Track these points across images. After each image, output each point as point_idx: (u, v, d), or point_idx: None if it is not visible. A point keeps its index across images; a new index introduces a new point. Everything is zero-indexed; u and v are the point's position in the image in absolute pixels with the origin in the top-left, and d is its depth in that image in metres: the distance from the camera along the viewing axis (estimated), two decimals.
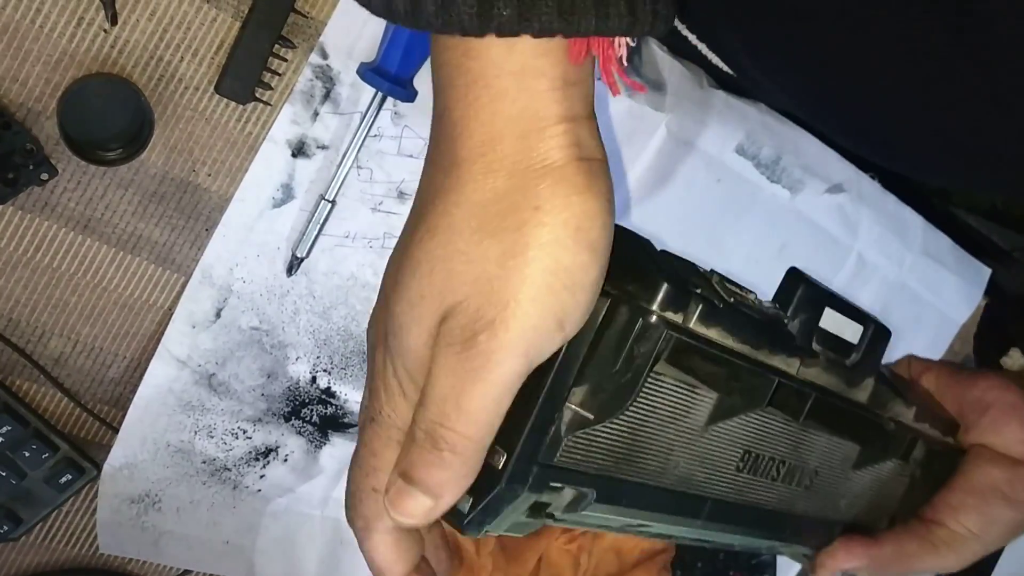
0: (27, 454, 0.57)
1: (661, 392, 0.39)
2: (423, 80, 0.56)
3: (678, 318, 0.37)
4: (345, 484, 0.40)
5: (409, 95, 0.55)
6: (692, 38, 0.62)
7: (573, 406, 0.37)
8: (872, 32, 0.46)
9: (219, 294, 0.59)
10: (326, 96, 0.56)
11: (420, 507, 0.36)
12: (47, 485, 0.59)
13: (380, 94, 0.55)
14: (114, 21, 0.52)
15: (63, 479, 0.59)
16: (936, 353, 0.78)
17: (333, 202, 0.58)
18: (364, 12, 0.54)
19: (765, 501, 0.47)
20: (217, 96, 0.55)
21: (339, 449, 0.66)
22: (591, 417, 0.37)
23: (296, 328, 0.61)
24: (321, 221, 0.58)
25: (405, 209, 0.60)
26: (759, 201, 0.68)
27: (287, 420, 0.64)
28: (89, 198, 0.55)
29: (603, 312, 0.36)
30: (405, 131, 0.58)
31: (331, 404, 0.64)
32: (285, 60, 0.55)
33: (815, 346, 0.45)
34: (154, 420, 0.60)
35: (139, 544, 0.63)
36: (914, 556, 0.55)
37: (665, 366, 0.37)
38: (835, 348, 0.46)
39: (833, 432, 0.48)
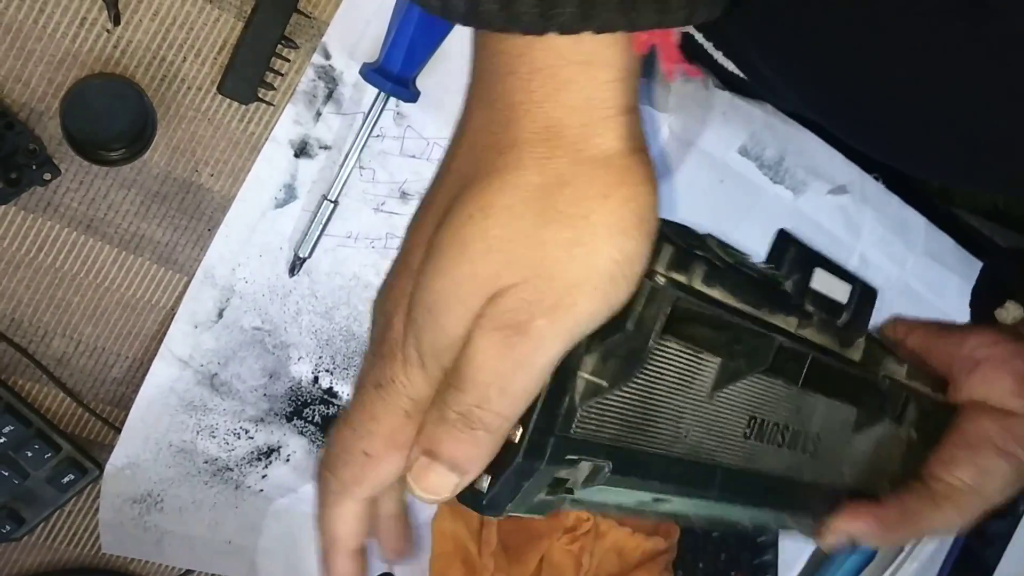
0: (29, 454, 0.57)
1: (668, 359, 0.40)
2: (425, 80, 0.56)
3: (683, 278, 0.38)
4: (327, 449, 0.40)
5: (412, 95, 0.55)
6: (699, 37, 0.62)
7: (585, 375, 0.37)
8: (886, 27, 0.46)
9: (221, 294, 0.59)
10: (329, 96, 0.56)
11: (447, 483, 0.36)
12: (49, 485, 0.59)
13: (383, 94, 0.55)
14: (117, 21, 0.52)
15: (65, 479, 0.59)
16: None
17: (335, 202, 0.58)
18: (366, 13, 0.55)
19: (773, 468, 0.48)
20: (220, 96, 0.55)
21: None
22: (604, 384, 0.37)
23: (298, 328, 0.61)
24: (323, 221, 0.58)
25: (407, 209, 0.60)
26: (762, 202, 0.68)
27: (289, 420, 0.64)
28: (92, 198, 0.55)
29: None
30: (408, 131, 0.58)
31: (333, 404, 0.64)
32: (288, 60, 0.55)
33: (807, 307, 0.45)
34: (156, 420, 0.60)
35: (141, 544, 0.63)
36: (917, 514, 0.55)
37: (671, 330, 0.38)
38: (826, 308, 0.47)
39: (831, 392, 0.49)
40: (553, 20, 0.32)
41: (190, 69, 0.54)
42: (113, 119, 0.52)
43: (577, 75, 0.34)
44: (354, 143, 0.57)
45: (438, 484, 0.36)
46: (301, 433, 0.64)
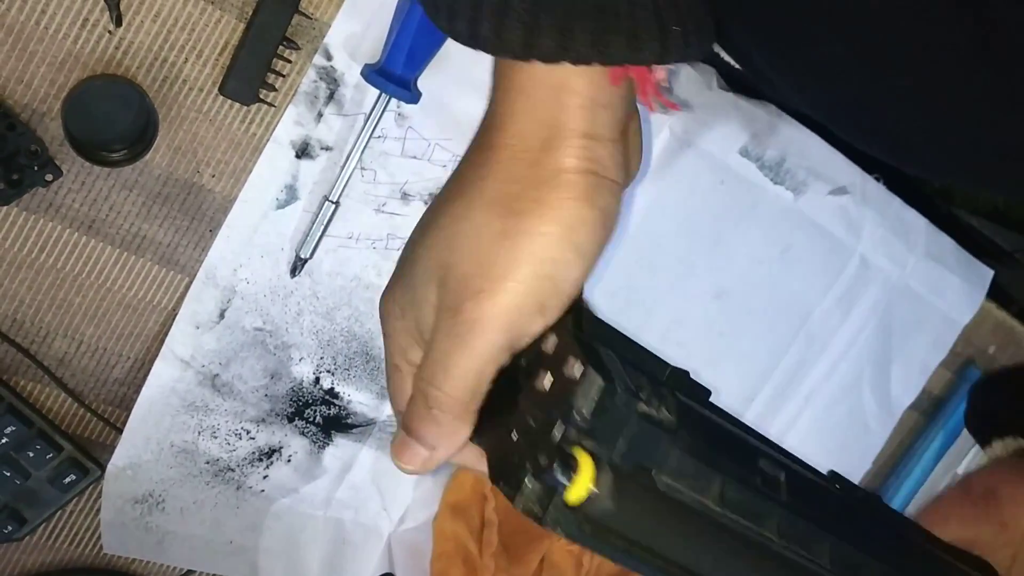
0: (31, 454, 0.57)
1: None
2: (426, 82, 0.57)
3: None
4: (391, 441, 0.43)
5: (413, 97, 0.56)
6: None
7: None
8: (887, 27, 0.46)
9: (223, 295, 0.59)
10: (330, 97, 0.56)
11: (418, 457, 0.40)
12: (51, 485, 0.59)
13: (384, 96, 0.55)
14: (118, 22, 0.52)
15: (67, 479, 0.59)
16: (939, 354, 0.79)
17: (337, 203, 0.58)
18: (368, 14, 0.55)
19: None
20: (221, 97, 0.55)
21: (342, 450, 0.66)
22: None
23: (300, 329, 0.61)
24: (325, 222, 0.58)
25: (409, 210, 0.60)
26: (763, 203, 0.68)
27: (290, 421, 0.64)
28: (93, 199, 0.55)
29: None
30: (409, 132, 0.58)
31: (334, 405, 0.64)
32: (289, 61, 0.55)
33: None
34: (158, 420, 0.60)
35: (143, 544, 0.63)
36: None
37: None
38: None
39: None
40: (534, 49, 0.36)
41: (192, 70, 0.54)
42: (115, 120, 0.53)
43: (547, 97, 0.38)
44: (355, 144, 0.57)
45: (411, 457, 0.40)
46: (302, 434, 0.64)
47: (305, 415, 0.64)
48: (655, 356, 0.42)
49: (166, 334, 0.59)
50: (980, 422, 0.67)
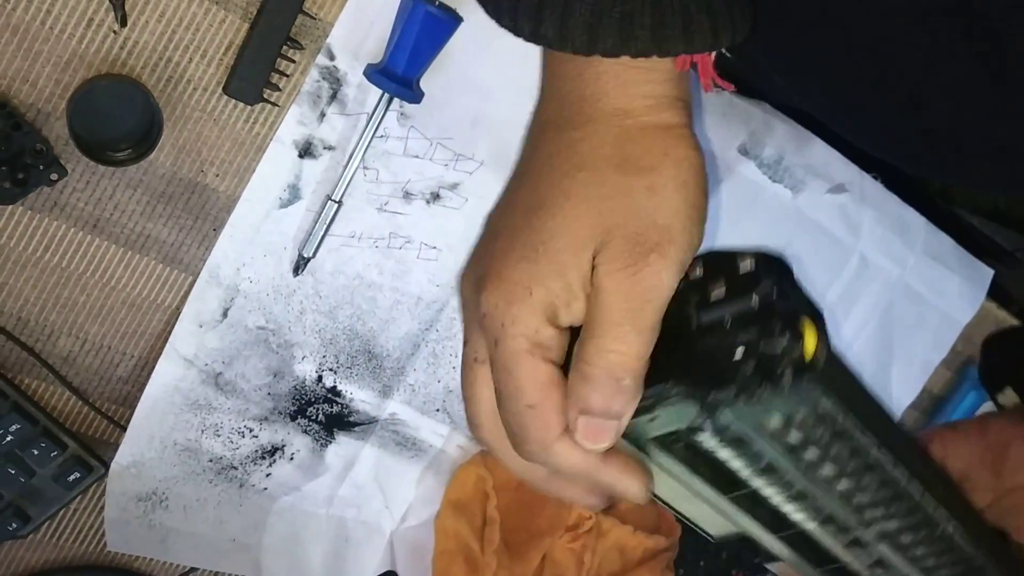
0: (36, 452, 0.58)
1: None
2: (429, 82, 0.57)
3: None
4: (474, 434, 0.44)
5: (415, 96, 0.56)
6: None
7: None
8: (887, 27, 0.46)
9: (226, 294, 0.59)
10: (333, 97, 0.57)
11: (611, 432, 0.40)
12: (55, 483, 0.59)
13: (386, 95, 0.56)
14: (123, 22, 0.52)
15: (71, 477, 0.59)
16: (939, 353, 0.79)
17: (339, 202, 0.58)
18: (371, 14, 0.55)
19: None
20: (225, 97, 0.55)
21: (344, 448, 0.66)
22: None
23: (302, 327, 0.62)
24: (327, 221, 0.58)
25: (411, 209, 0.61)
26: (761, 201, 0.69)
27: (293, 419, 0.64)
28: (98, 198, 0.55)
29: None
30: (411, 132, 0.59)
31: (337, 403, 0.65)
32: (293, 61, 0.56)
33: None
34: (161, 419, 0.60)
35: (146, 542, 0.64)
36: None
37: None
38: None
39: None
40: (597, 45, 0.40)
41: (196, 70, 0.54)
42: (120, 120, 0.53)
43: (639, 76, 0.42)
44: (358, 144, 0.57)
45: (605, 435, 0.40)
46: (305, 432, 0.65)
47: (307, 413, 0.64)
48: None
49: (170, 333, 0.59)
50: (994, 371, 0.68)
